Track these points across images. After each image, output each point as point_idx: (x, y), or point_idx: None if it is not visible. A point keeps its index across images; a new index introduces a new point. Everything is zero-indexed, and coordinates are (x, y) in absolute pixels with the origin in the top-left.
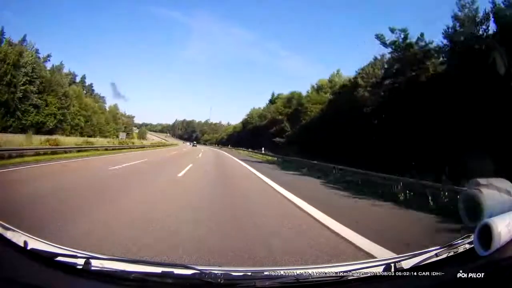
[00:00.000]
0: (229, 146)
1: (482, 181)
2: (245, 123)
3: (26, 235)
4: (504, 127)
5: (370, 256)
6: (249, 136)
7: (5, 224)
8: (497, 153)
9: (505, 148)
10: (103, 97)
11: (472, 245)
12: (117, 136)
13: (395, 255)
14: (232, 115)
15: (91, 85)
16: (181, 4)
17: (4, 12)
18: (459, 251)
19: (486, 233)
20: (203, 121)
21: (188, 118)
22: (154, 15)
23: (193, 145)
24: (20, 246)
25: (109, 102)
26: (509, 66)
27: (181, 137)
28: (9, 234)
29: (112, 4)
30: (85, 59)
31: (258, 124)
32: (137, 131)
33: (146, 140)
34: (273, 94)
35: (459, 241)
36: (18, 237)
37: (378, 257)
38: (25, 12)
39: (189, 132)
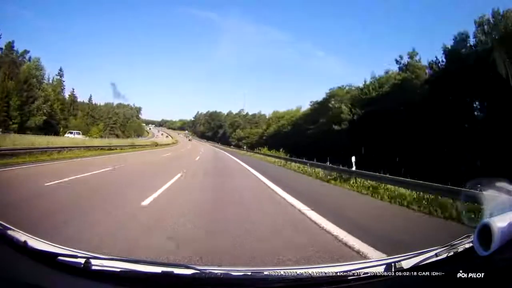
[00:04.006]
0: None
1: (482, 181)
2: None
3: (26, 235)
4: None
5: None
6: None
7: (5, 224)
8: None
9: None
10: (43, 66)
11: (472, 245)
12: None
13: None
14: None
15: (11, 45)
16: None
17: None
18: (459, 251)
19: (486, 233)
20: (234, 111)
21: (213, 110)
22: (184, 13)
23: (189, 140)
24: (20, 246)
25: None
26: None
27: (202, 135)
28: (9, 234)
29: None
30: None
31: None
32: (147, 127)
33: (145, 137)
34: None
35: (459, 241)
36: (18, 237)
37: None
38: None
39: (214, 128)
